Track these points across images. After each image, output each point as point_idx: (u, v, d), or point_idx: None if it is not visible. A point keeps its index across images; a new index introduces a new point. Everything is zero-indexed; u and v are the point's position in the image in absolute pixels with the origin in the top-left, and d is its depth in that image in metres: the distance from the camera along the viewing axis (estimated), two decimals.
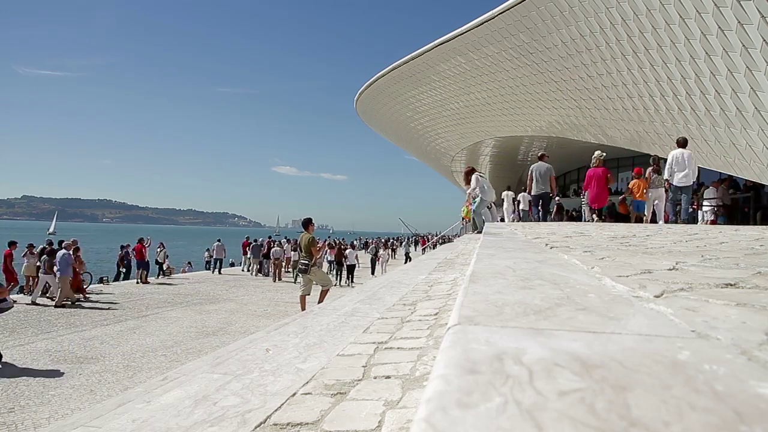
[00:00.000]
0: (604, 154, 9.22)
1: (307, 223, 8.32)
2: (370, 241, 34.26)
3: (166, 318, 9.67)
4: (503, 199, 13.70)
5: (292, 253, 18.34)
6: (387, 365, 1.57)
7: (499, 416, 0.30)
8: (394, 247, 34.12)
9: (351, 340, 1.97)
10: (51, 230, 77.08)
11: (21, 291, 12.87)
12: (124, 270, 16.36)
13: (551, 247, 1.61)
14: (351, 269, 17.15)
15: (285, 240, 22.39)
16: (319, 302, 7.66)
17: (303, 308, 7.85)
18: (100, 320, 8.98)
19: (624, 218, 15.78)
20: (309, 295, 8.24)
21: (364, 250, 27.33)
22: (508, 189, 14.29)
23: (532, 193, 9.62)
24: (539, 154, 9.83)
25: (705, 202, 11.96)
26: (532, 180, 9.47)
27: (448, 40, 16.22)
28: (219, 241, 19.17)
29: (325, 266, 16.93)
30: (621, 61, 11.90)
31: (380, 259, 20.98)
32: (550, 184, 9.39)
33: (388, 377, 1.46)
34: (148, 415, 1.38)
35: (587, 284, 0.79)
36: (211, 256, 19.27)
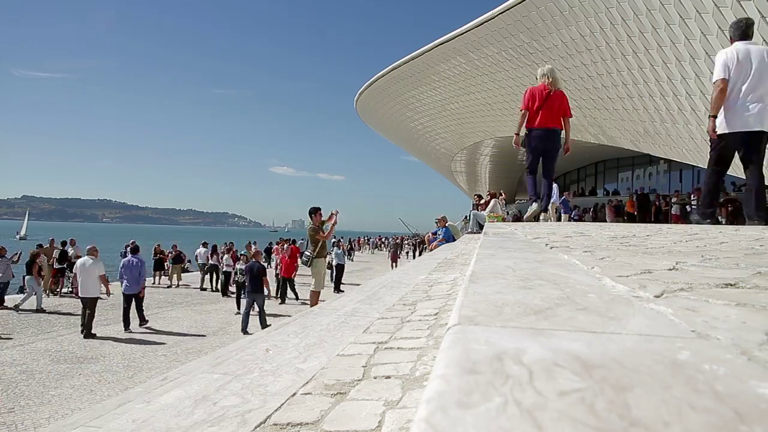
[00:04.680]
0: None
1: (312, 213, 7.50)
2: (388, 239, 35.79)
3: (166, 318, 9.67)
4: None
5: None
6: (387, 365, 1.57)
7: (499, 416, 0.30)
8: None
9: (351, 340, 1.97)
10: (22, 233, 56.66)
11: (21, 290, 12.87)
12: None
13: (551, 247, 1.61)
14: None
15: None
16: (311, 305, 7.30)
17: (314, 304, 7.45)
18: (100, 320, 8.97)
19: (632, 216, 15.66)
20: (322, 289, 7.42)
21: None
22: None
23: None
24: None
25: None
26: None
27: (448, 40, 16.22)
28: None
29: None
30: (621, 62, 11.90)
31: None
32: None
33: (388, 377, 1.45)
34: (148, 415, 1.38)
35: (587, 284, 0.79)
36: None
